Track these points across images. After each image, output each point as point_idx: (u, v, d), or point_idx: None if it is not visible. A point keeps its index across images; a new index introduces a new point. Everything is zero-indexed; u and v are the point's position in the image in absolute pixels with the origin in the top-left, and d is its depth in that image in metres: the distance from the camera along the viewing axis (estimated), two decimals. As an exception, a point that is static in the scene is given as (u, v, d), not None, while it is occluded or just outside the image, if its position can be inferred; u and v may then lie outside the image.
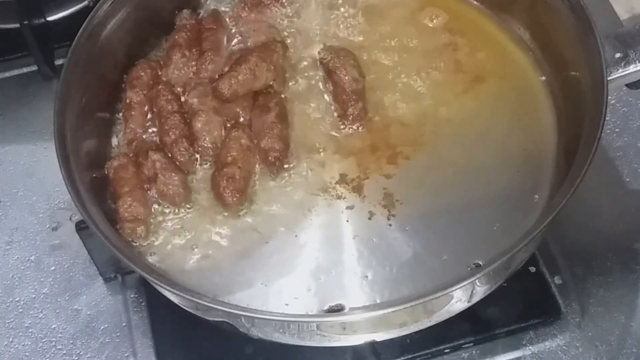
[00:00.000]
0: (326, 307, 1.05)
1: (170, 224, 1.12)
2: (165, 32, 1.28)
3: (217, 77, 1.20)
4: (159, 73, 1.22)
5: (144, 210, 1.10)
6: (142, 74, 1.21)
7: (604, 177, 1.26)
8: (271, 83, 1.19)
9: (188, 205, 1.13)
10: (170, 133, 1.15)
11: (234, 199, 1.10)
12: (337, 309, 1.05)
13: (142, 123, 1.19)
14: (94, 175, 1.12)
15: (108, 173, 1.14)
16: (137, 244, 1.09)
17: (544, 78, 1.21)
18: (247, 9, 1.28)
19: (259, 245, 1.10)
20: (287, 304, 1.06)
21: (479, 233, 1.09)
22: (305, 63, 1.25)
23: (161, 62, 1.23)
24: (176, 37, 1.24)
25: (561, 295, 1.16)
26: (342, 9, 1.30)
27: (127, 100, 1.19)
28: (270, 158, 1.14)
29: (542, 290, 1.16)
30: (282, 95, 1.20)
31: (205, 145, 1.15)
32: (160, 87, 1.19)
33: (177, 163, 1.14)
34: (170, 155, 1.14)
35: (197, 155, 1.16)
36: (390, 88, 1.22)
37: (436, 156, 1.16)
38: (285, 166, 1.14)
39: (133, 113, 1.18)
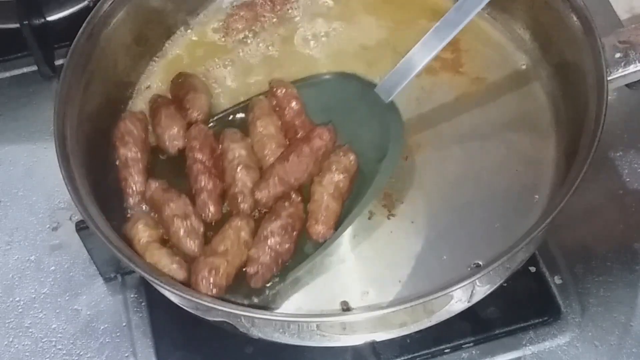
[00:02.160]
0: (329, 307, 1.05)
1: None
2: (165, 32, 1.28)
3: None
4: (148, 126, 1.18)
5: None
6: (132, 127, 1.16)
7: (604, 177, 1.26)
8: None
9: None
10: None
11: (210, 292, 1.03)
12: (342, 308, 1.05)
13: (143, 180, 1.14)
14: (94, 175, 1.12)
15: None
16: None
17: (544, 78, 1.21)
18: None
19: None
20: (287, 304, 1.06)
21: (479, 233, 1.09)
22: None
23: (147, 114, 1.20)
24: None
25: (561, 295, 1.16)
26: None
27: (123, 158, 1.14)
28: (249, 269, 1.05)
29: (542, 290, 1.16)
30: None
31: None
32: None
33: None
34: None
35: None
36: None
37: (436, 156, 1.16)
38: (262, 286, 1.06)
39: (132, 171, 1.14)
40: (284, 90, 1.18)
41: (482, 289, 1.04)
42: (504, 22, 1.27)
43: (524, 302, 1.15)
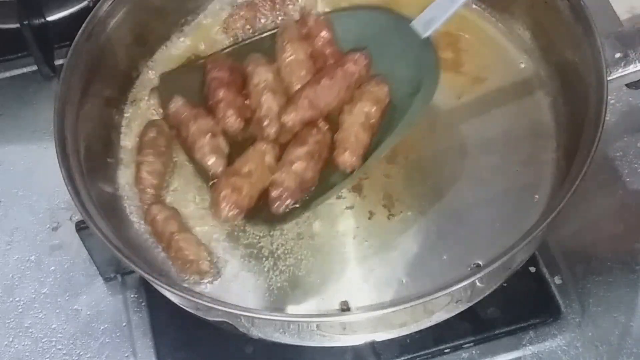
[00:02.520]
0: (329, 307, 1.05)
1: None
2: (165, 32, 1.28)
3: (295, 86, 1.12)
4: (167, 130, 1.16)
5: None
6: (160, 136, 1.15)
7: (604, 177, 1.26)
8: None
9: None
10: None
11: (230, 213, 1.03)
12: (343, 308, 1.05)
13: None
14: (94, 175, 1.12)
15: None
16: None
17: (544, 78, 1.21)
18: None
19: (259, 245, 1.10)
20: (287, 304, 1.06)
21: (479, 233, 1.09)
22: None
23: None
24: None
25: (561, 295, 1.16)
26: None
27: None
28: (272, 193, 1.05)
29: (542, 290, 1.16)
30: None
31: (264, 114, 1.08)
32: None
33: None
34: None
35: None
36: (390, 88, 1.22)
37: (436, 156, 1.16)
38: (283, 211, 1.05)
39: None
40: (315, 18, 1.15)
41: (482, 289, 1.04)
42: (504, 22, 1.27)
43: (524, 302, 1.15)
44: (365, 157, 1.08)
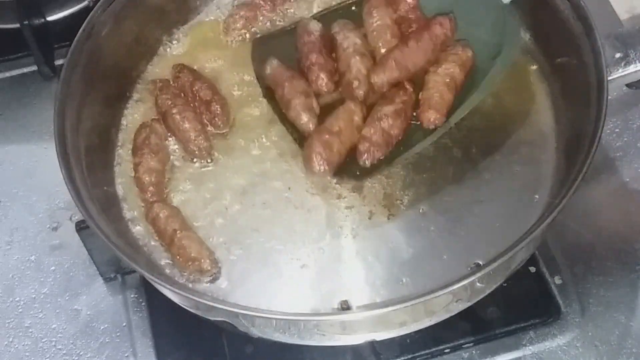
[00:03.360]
0: (329, 306, 1.05)
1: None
2: (165, 31, 1.28)
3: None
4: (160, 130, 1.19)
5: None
6: (153, 135, 1.18)
7: (604, 177, 1.26)
8: None
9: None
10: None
11: (322, 168, 1.09)
12: (342, 308, 1.05)
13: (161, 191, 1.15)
14: (94, 175, 1.12)
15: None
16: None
17: (543, 78, 1.21)
18: None
19: (259, 245, 1.11)
20: (287, 303, 1.06)
21: (479, 233, 1.09)
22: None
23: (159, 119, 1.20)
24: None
25: (561, 295, 1.16)
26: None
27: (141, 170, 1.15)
28: (360, 147, 1.11)
29: (542, 290, 1.16)
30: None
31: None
32: None
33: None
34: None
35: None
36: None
37: (436, 156, 1.16)
38: (370, 163, 1.11)
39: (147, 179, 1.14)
40: None
41: (482, 289, 1.04)
42: (504, 22, 1.27)
43: (524, 302, 1.15)
44: (448, 116, 1.14)
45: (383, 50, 1.17)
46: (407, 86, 1.14)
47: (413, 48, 1.15)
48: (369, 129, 1.11)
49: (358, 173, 1.12)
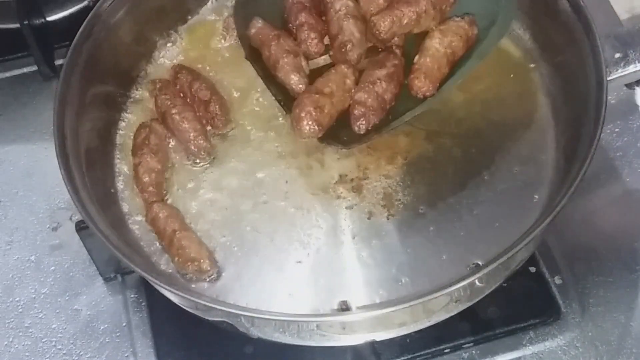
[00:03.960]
0: (329, 307, 1.05)
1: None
2: (164, 31, 1.28)
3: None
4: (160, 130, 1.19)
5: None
6: (152, 135, 1.17)
7: (604, 177, 1.26)
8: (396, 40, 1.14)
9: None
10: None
11: (312, 129, 1.07)
12: (342, 308, 1.05)
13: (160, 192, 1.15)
14: (94, 175, 1.12)
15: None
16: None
17: (544, 78, 1.21)
18: None
19: (258, 245, 1.11)
20: (286, 303, 1.06)
21: (478, 233, 1.09)
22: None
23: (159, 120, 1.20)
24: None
25: (561, 295, 1.16)
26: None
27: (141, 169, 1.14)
28: (356, 111, 1.09)
29: (542, 290, 1.16)
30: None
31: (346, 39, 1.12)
32: None
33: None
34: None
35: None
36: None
37: (435, 156, 1.16)
38: (365, 130, 1.09)
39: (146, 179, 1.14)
40: None
41: (481, 289, 1.04)
42: (504, 22, 1.27)
43: (524, 302, 1.15)
44: (439, 87, 1.12)
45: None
46: (397, 50, 1.13)
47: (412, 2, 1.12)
48: (363, 94, 1.09)
49: (345, 139, 1.10)
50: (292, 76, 1.12)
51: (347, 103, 1.10)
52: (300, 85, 1.12)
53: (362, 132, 1.09)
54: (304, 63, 1.13)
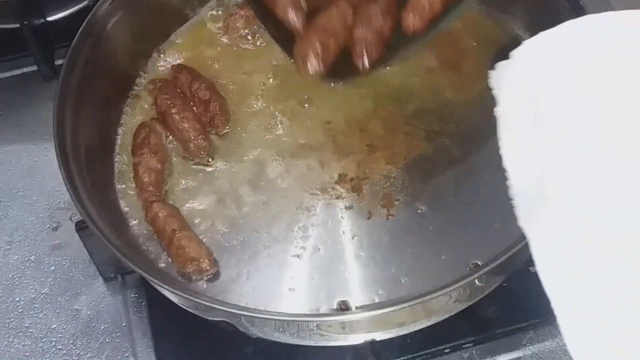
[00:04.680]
0: (328, 306, 1.05)
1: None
2: (165, 31, 1.28)
3: None
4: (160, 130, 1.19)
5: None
6: (152, 134, 1.18)
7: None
8: None
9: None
10: None
11: (314, 67, 1.06)
12: (342, 308, 1.05)
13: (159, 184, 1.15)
14: (94, 175, 1.12)
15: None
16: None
17: (543, 78, 1.21)
18: None
19: (258, 245, 1.11)
20: (286, 303, 1.06)
21: (478, 233, 1.09)
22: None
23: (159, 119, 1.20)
24: None
25: (561, 295, 1.16)
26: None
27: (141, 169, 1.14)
28: (358, 48, 1.08)
29: (542, 290, 1.16)
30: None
31: None
32: None
33: None
34: None
35: None
36: (390, 88, 1.22)
37: (435, 156, 1.16)
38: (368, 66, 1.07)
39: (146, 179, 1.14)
40: None
41: (481, 289, 1.04)
42: (504, 22, 1.27)
43: (524, 302, 1.15)
44: (430, 26, 1.09)
45: None
46: None
47: None
48: (362, 30, 1.08)
49: (345, 74, 1.10)
50: (290, 12, 1.10)
51: (348, 40, 1.08)
52: (299, 22, 1.09)
53: (365, 67, 1.07)
54: (302, 1, 1.11)
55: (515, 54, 0.89)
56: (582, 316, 0.76)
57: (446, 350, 1.12)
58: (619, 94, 0.83)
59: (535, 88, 0.85)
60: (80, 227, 1.12)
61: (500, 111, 0.88)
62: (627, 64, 0.84)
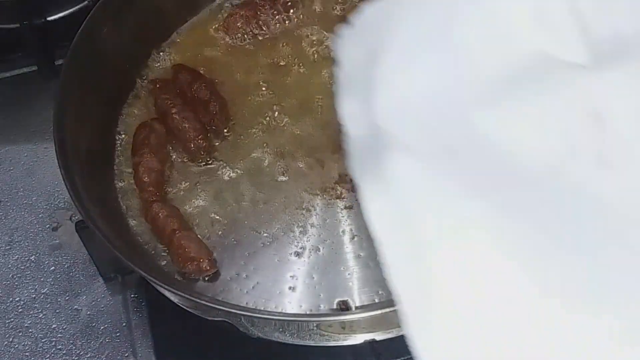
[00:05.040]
0: (328, 306, 1.05)
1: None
2: (165, 31, 1.28)
3: None
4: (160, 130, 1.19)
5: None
6: (153, 134, 1.17)
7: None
8: None
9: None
10: None
11: None
12: (342, 308, 1.05)
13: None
14: (94, 175, 1.12)
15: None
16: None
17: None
18: None
19: (258, 245, 1.11)
20: (286, 303, 1.06)
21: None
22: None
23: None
24: None
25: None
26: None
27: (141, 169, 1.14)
28: None
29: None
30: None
31: None
32: None
33: None
34: None
35: None
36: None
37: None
38: None
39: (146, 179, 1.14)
40: None
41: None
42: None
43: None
44: None
45: None
46: None
47: None
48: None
49: None
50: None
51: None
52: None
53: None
54: None
55: (353, 18, 0.93)
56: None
57: (446, 350, 1.12)
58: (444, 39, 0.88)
59: (369, 46, 0.89)
60: (80, 227, 1.13)
61: (338, 71, 0.91)
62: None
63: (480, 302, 0.76)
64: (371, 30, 0.91)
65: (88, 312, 1.19)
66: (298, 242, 1.10)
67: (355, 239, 1.10)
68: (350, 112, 0.88)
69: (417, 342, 0.76)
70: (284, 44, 1.28)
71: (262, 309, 1.04)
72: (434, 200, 0.80)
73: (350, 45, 0.92)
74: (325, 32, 1.27)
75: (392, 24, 0.89)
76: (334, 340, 1.04)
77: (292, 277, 1.08)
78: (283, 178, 1.15)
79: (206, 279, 1.08)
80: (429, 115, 0.85)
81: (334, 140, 1.18)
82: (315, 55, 1.26)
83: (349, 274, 1.08)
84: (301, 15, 1.30)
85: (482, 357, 0.75)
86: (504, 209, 0.79)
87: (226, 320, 1.01)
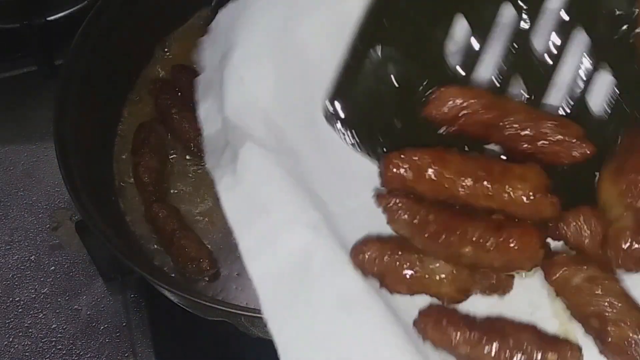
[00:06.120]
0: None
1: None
2: (165, 31, 1.28)
3: None
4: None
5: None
6: (153, 134, 1.18)
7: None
8: None
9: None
10: None
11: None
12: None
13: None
14: (94, 175, 1.12)
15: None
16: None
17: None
18: None
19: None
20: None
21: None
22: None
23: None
24: None
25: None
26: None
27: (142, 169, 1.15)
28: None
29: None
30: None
31: None
32: None
33: None
34: None
35: None
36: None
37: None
38: None
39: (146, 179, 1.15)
40: None
41: (481, 289, 1.04)
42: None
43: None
44: None
45: None
46: None
47: None
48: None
49: None
50: None
51: None
52: None
53: None
54: None
55: (211, 24, 0.96)
56: None
57: (446, 350, 1.12)
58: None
59: (222, 48, 0.92)
60: (80, 227, 1.13)
61: (200, 78, 0.95)
62: None
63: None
64: (224, 32, 0.92)
65: (88, 312, 1.19)
66: (298, 242, 1.10)
67: (356, 239, 1.10)
68: (206, 113, 0.90)
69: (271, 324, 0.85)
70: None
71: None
72: (281, 196, 0.83)
73: (208, 50, 0.95)
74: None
75: (240, 22, 0.90)
76: (334, 340, 1.04)
77: (292, 277, 1.08)
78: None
79: (206, 279, 1.08)
80: (277, 115, 0.86)
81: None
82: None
83: (349, 274, 1.08)
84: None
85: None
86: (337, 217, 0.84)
87: (226, 320, 1.01)
